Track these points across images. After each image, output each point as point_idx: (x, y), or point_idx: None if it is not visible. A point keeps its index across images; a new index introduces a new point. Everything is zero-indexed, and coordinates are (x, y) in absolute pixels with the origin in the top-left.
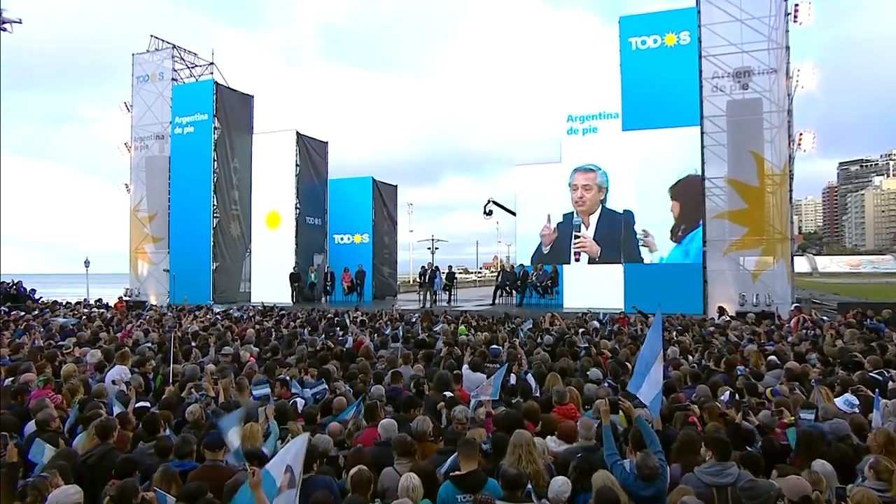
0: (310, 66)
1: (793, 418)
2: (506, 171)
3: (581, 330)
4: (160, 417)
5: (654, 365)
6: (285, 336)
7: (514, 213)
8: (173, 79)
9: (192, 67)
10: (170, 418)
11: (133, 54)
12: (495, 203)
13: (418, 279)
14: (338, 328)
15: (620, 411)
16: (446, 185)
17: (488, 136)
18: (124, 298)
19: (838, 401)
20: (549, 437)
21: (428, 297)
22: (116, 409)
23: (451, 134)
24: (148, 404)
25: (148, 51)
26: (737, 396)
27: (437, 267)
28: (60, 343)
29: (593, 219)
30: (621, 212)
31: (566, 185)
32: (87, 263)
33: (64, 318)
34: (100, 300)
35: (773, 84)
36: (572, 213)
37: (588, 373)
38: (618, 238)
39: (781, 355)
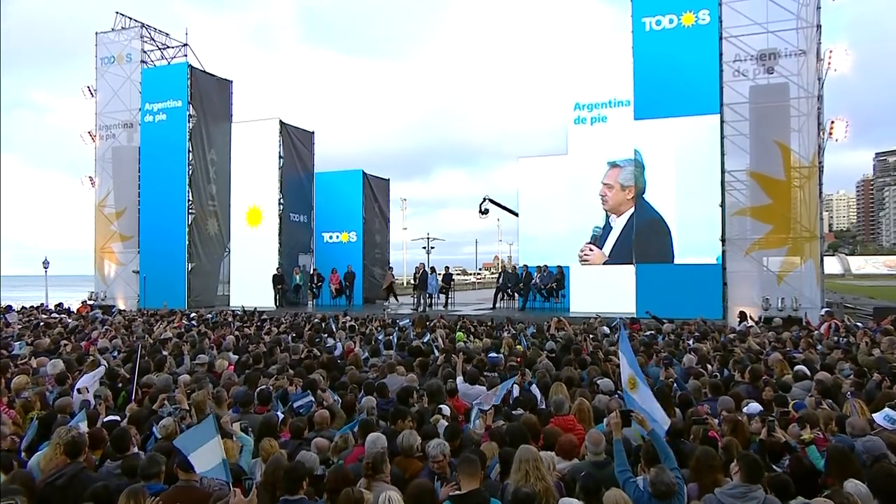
0: (289, 51)
1: (811, 436)
2: (503, 165)
3: (590, 336)
4: (129, 433)
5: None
6: (268, 343)
7: (515, 214)
8: (142, 61)
9: (164, 49)
10: (136, 434)
11: (96, 33)
12: (492, 201)
13: (413, 281)
14: (325, 334)
15: (634, 424)
16: (439, 179)
17: (484, 126)
18: (88, 302)
19: (877, 416)
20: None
21: (421, 300)
22: (82, 425)
23: (443, 124)
24: (118, 418)
25: (113, 29)
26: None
27: (432, 268)
28: (14, 353)
29: (621, 221)
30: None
31: (573, 179)
32: (45, 264)
33: (17, 339)
34: (60, 305)
35: (801, 67)
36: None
37: (598, 383)
38: (643, 239)
39: (810, 365)
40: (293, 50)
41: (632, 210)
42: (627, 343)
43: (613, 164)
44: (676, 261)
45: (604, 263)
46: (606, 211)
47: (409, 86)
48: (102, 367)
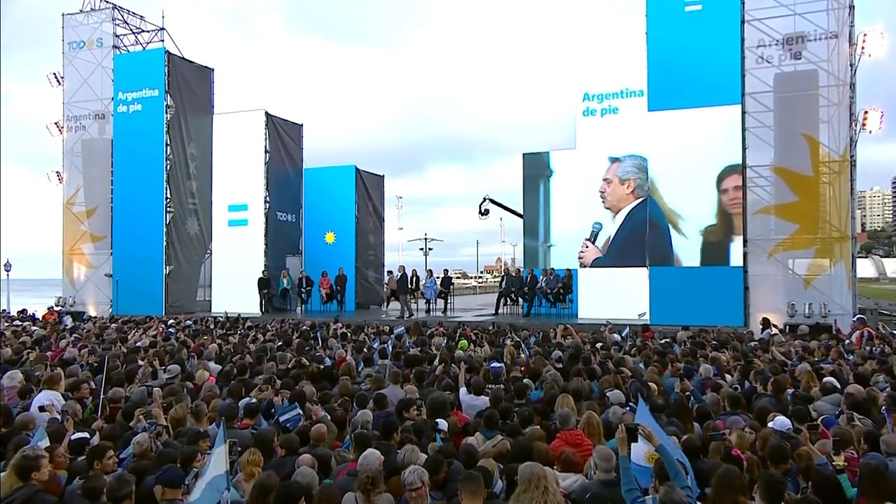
0: (272, 38)
1: (843, 463)
2: (503, 160)
3: (599, 345)
4: (111, 448)
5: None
6: (253, 352)
7: (519, 215)
8: (115, 46)
9: (138, 33)
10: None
11: (63, 14)
12: (492, 201)
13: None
14: (314, 342)
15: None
16: (434, 175)
17: (481, 119)
18: (55, 309)
19: None
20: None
21: (404, 306)
22: (42, 443)
23: (437, 117)
24: (87, 435)
25: (82, 11)
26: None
27: (430, 270)
28: None
29: (620, 217)
30: (654, 209)
31: (582, 175)
32: (7, 267)
33: None
34: (24, 311)
35: (831, 52)
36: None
37: (608, 395)
38: (643, 242)
39: (840, 377)
40: (276, 37)
41: (631, 206)
42: (648, 413)
43: (613, 159)
44: (695, 264)
45: (594, 260)
46: (608, 209)
47: (399, 75)
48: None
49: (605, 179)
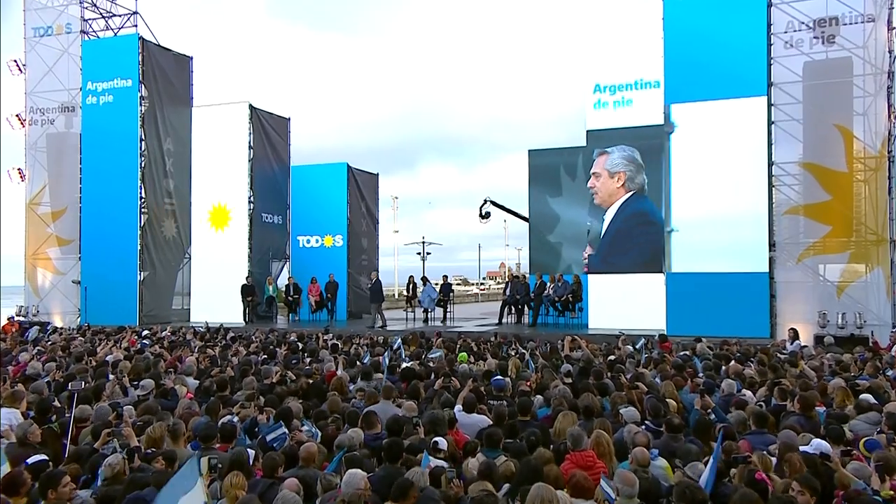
0: (255, 25)
1: (890, 492)
2: (500, 157)
3: (611, 357)
4: (67, 475)
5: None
6: (236, 366)
7: (524, 219)
8: (83, 31)
9: (109, 17)
10: (79, 475)
11: None
12: (494, 203)
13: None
14: (304, 354)
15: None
16: (427, 173)
17: (479, 113)
18: (16, 318)
19: None
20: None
21: (377, 317)
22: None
23: (432, 111)
24: (45, 457)
25: None
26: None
27: (424, 277)
28: None
29: (611, 213)
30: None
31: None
32: None
33: None
34: None
35: (868, 37)
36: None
37: (623, 412)
38: (633, 239)
39: (878, 393)
40: (260, 23)
41: (622, 200)
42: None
43: (602, 152)
44: (713, 269)
45: (589, 257)
46: (598, 205)
47: (392, 67)
48: None
49: (593, 174)
